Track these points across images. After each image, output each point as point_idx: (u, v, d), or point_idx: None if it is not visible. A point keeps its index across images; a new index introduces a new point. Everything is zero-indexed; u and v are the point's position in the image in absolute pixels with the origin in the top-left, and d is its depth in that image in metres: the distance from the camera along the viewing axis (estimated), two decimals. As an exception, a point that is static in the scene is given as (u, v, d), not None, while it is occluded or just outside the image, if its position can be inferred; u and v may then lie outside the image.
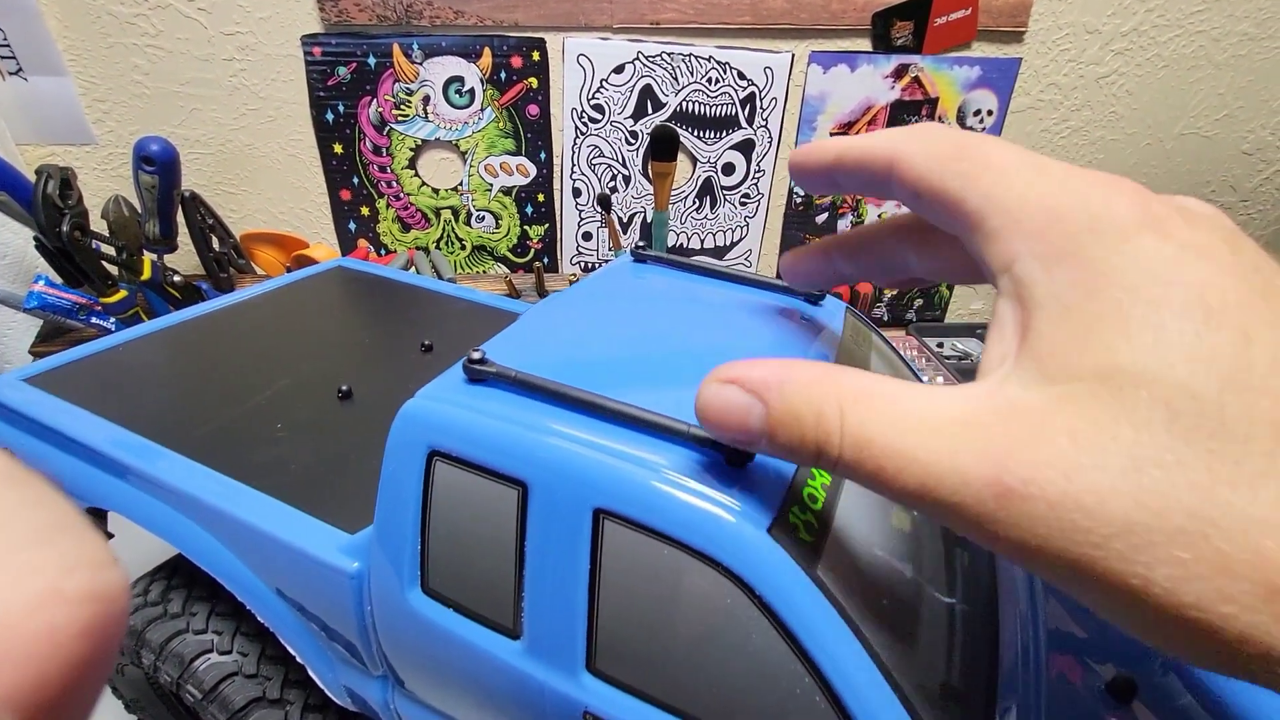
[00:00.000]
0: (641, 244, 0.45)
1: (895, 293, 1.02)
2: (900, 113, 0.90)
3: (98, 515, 0.38)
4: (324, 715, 0.37)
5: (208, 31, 0.78)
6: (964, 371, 0.86)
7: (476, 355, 0.27)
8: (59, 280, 0.74)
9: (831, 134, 0.91)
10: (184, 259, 0.84)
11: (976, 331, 0.98)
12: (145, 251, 0.76)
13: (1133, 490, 0.13)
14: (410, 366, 0.45)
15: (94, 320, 0.77)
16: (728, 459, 0.23)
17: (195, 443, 0.35)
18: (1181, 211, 0.16)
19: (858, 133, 0.91)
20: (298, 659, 0.33)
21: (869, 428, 0.16)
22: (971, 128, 0.91)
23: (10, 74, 0.77)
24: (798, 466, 0.24)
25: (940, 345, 0.94)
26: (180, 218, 0.79)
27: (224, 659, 0.34)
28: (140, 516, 0.34)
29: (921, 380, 0.42)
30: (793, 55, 0.86)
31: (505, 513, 0.25)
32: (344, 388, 0.41)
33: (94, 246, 0.69)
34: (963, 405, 0.16)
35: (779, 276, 0.35)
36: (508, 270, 0.97)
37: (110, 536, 0.41)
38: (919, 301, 1.03)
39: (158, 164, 0.71)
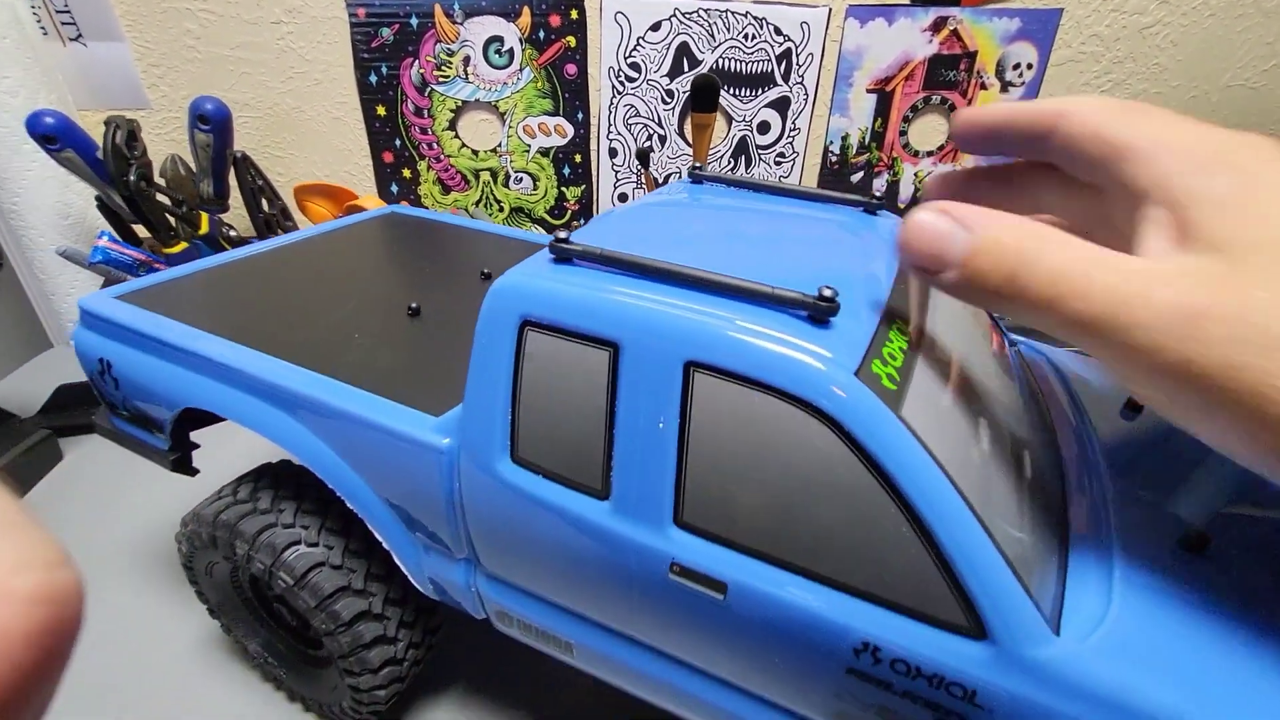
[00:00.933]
0: (699, 165, 0.46)
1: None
2: (938, 67, 0.89)
3: (192, 417, 0.40)
4: (402, 609, 0.39)
5: (257, -6, 0.80)
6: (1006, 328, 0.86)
7: (562, 235, 0.28)
8: (118, 237, 0.77)
9: (868, 90, 0.91)
10: (233, 220, 0.86)
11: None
12: (199, 210, 0.78)
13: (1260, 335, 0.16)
14: (472, 291, 0.47)
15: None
16: (811, 316, 0.24)
17: (284, 348, 0.37)
18: None
19: (893, 88, 0.91)
20: (384, 546, 0.35)
21: (1066, 262, 0.19)
22: (1010, 82, 0.90)
23: (71, 40, 0.80)
24: (875, 328, 0.25)
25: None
26: (232, 179, 0.81)
27: (312, 550, 0.36)
28: (239, 414, 0.36)
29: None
30: (830, 10, 0.86)
31: (596, 375, 0.26)
32: (413, 305, 0.43)
33: (158, 198, 0.72)
34: (1148, 261, 0.19)
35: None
36: (545, 232, 0.98)
37: (196, 446, 0.44)
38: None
39: (212, 122, 0.74)
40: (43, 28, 0.79)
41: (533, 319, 0.27)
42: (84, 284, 0.83)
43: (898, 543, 0.22)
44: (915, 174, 0.97)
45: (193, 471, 0.44)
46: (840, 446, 0.22)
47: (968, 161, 0.95)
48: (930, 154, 0.95)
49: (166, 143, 0.88)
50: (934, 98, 0.91)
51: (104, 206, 0.78)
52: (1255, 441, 0.18)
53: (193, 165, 0.78)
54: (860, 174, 0.97)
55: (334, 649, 0.37)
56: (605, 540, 0.27)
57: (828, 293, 0.23)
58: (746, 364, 0.23)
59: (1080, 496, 0.28)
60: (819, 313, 0.24)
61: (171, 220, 0.73)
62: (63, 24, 0.79)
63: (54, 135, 0.68)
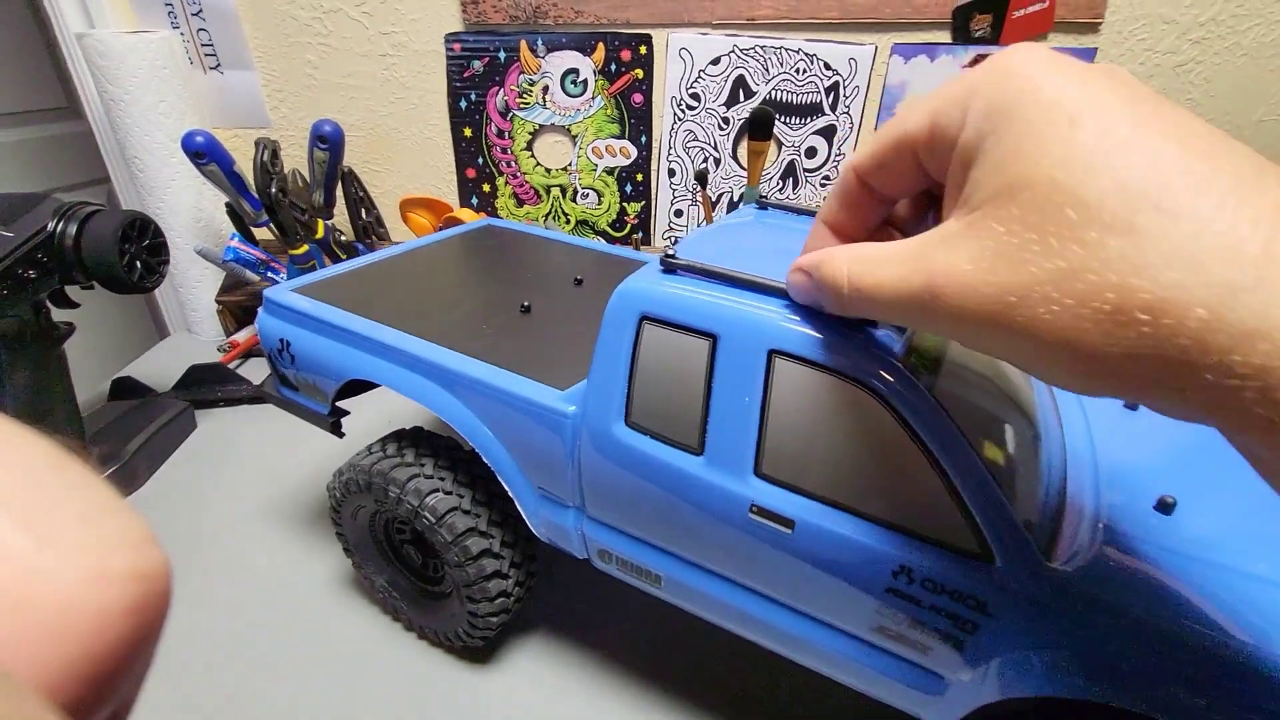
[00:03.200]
0: (764, 195, 0.54)
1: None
2: (978, 100, 0.96)
3: (357, 387, 0.50)
4: (513, 550, 0.47)
5: (368, 31, 0.92)
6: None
7: (671, 251, 0.37)
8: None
9: (911, 120, 0.98)
10: (337, 226, 0.98)
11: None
12: (315, 216, 0.90)
13: (1003, 270, 0.19)
14: (569, 293, 0.56)
15: (269, 275, 0.91)
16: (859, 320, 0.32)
17: (431, 333, 0.47)
18: (1091, 66, 0.20)
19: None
20: (507, 495, 0.44)
21: (857, 271, 0.24)
22: (1047, 114, 0.97)
23: (211, 68, 0.93)
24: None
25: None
26: (338, 191, 0.93)
27: (449, 496, 0.45)
28: (397, 384, 0.45)
29: None
30: (876, 48, 0.93)
31: (698, 358, 0.34)
32: (525, 303, 0.52)
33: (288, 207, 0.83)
34: (913, 241, 0.22)
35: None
36: (606, 241, 1.07)
37: (346, 413, 0.53)
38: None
39: (330, 142, 0.85)
40: (190, 58, 0.92)
41: (650, 315, 0.35)
42: (209, 278, 0.95)
43: (928, 490, 0.30)
44: (954, 198, 1.03)
45: (341, 434, 0.53)
46: (887, 416, 0.30)
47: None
48: (969, 180, 1.02)
49: (283, 156, 1.00)
50: (974, 128, 0.98)
51: (232, 212, 0.90)
52: (1023, 355, 0.20)
53: (308, 178, 0.89)
54: (902, 197, 1.04)
55: (460, 579, 0.46)
56: (699, 487, 0.35)
57: None
58: (816, 353, 0.31)
59: (1077, 466, 0.35)
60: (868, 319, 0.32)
61: (298, 226, 0.84)
62: (205, 55, 0.92)
63: (203, 152, 0.80)
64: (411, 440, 0.49)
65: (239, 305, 0.93)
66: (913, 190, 0.26)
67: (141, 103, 0.84)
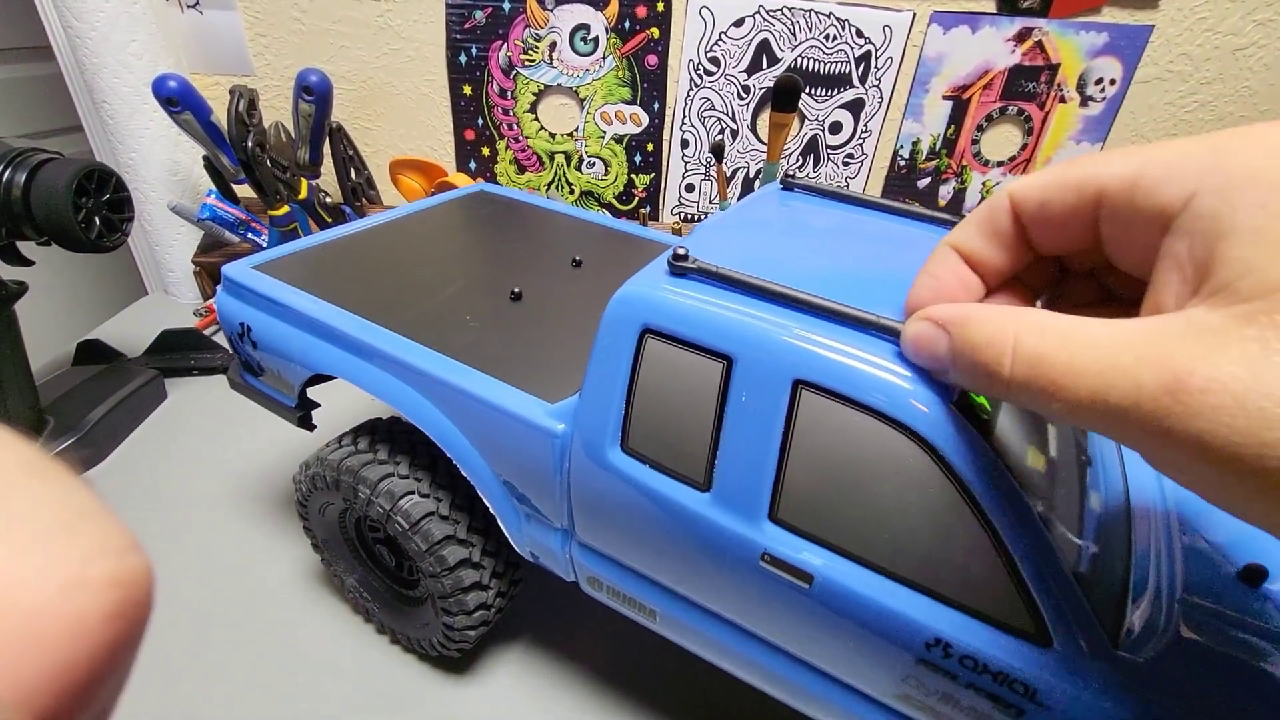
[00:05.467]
0: (790, 173, 0.48)
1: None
2: (1018, 78, 0.89)
3: (320, 381, 0.45)
4: (495, 560, 0.43)
5: (360, -28, 0.84)
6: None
7: (681, 252, 0.31)
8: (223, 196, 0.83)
9: (944, 97, 0.91)
10: (322, 187, 0.91)
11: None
12: (299, 175, 0.83)
13: None
14: (566, 277, 0.50)
15: (249, 235, 0.85)
16: None
17: (406, 323, 0.41)
18: None
19: (970, 96, 0.90)
20: (489, 508, 0.39)
21: (1042, 349, 0.18)
22: (1091, 97, 0.89)
23: (188, 7, 0.85)
24: None
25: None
26: (325, 148, 0.86)
27: (424, 500, 0.41)
28: (365, 382, 0.40)
29: None
30: (914, 14, 0.86)
31: (709, 382, 0.29)
32: (515, 290, 0.47)
33: (268, 163, 0.77)
34: (1136, 327, 0.17)
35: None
36: (611, 215, 1.01)
37: (316, 405, 0.48)
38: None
39: (316, 94, 0.78)
40: (163, -6, 0.84)
41: (653, 328, 0.30)
42: (185, 237, 0.89)
43: (977, 555, 0.25)
44: (984, 183, 0.97)
45: (311, 427, 0.48)
46: (933, 467, 0.25)
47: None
48: (1001, 164, 0.95)
49: (267, 109, 0.93)
50: (1010, 108, 0.91)
51: (210, 167, 0.83)
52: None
53: (293, 132, 0.83)
54: (927, 179, 0.97)
55: (435, 590, 0.42)
56: (703, 527, 0.31)
57: None
58: (852, 387, 0.26)
59: (1144, 523, 0.30)
60: None
61: (278, 184, 0.78)
62: (180, -9, 0.84)
63: (175, 98, 0.73)
64: (386, 434, 0.44)
65: (217, 267, 0.86)
66: (1064, 248, 0.22)
67: (110, 41, 0.77)
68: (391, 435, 0.44)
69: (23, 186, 0.56)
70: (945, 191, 0.98)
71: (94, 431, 0.65)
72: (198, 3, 0.85)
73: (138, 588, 0.12)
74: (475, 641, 0.45)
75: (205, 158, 0.82)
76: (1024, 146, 0.94)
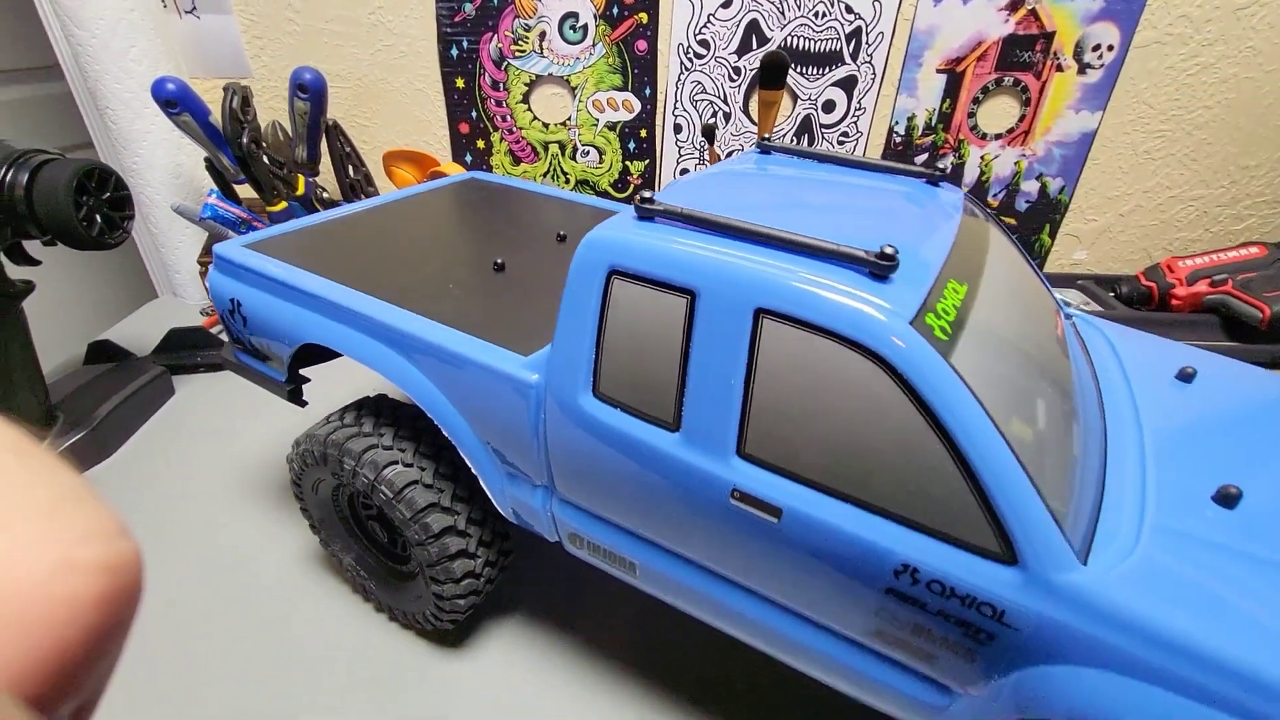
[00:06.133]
0: (766, 136, 0.49)
1: (993, 237, 1.00)
2: (1013, 48, 0.88)
3: (304, 355, 0.45)
4: (482, 528, 0.43)
5: (351, -29, 0.86)
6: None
7: (647, 195, 0.31)
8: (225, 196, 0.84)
9: (938, 71, 0.90)
10: (321, 183, 0.93)
11: (1078, 282, 0.96)
12: (296, 172, 0.85)
13: None
14: (549, 250, 0.51)
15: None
16: (871, 272, 0.27)
17: (390, 293, 0.42)
18: None
19: (964, 69, 0.90)
20: (471, 472, 0.40)
21: None
22: (1089, 64, 0.88)
23: (187, 12, 0.87)
24: (933, 282, 0.28)
25: (1038, 292, 0.93)
26: (323, 146, 0.88)
27: (408, 469, 0.41)
28: (351, 349, 0.41)
29: (1036, 270, 0.44)
30: (903, -12, 0.85)
31: (674, 319, 0.29)
32: (498, 261, 0.47)
33: (264, 160, 0.79)
34: None
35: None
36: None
37: (307, 380, 0.49)
38: (1018, 248, 1.01)
39: (310, 91, 0.79)
40: (163, 1, 0.86)
41: (620, 268, 0.30)
42: (190, 238, 0.91)
43: (941, 475, 0.25)
44: (982, 156, 0.96)
45: (303, 403, 0.49)
46: (893, 388, 0.25)
47: (1037, 144, 0.94)
48: (999, 137, 0.94)
49: (265, 110, 0.95)
50: (1006, 79, 0.90)
51: (211, 168, 0.85)
52: None
53: (290, 131, 0.84)
54: (924, 155, 0.96)
55: (423, 558, 0.42)
56: (674, 468, 0.31)
57: (889, 250, 0.26)
58: (811, 312, 0.26)
59: (1120, 452, 0.30)
60: (879, 269, 0.26)
61: (275, 181, 0.79)
62: (179, -2, 0.86)
63: (174, 100, 0.75)
64: (373, 409, 0.45)
65: (222, 266, 0.89)
66: None
67: (110, 48, 0.79)
68: (378, 410, 0.44)
69: (25, 186, 0.58)
70: (943, 166, 0.97)
71: (103, 426, 0.67)
72: (195, 8, 0.87)
73: (127, 572, 0.12)
74: (466, 611, 0.45)
75: (206, 159, 0.84)
76: (1022, 118, 0.93)
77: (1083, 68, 0.88)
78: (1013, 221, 0.99)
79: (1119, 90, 0.90)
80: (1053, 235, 1.01)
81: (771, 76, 0.75)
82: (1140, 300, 0.92)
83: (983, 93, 0.91)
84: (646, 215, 0.31)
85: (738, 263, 0.28)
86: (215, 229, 0.85)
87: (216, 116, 0.79)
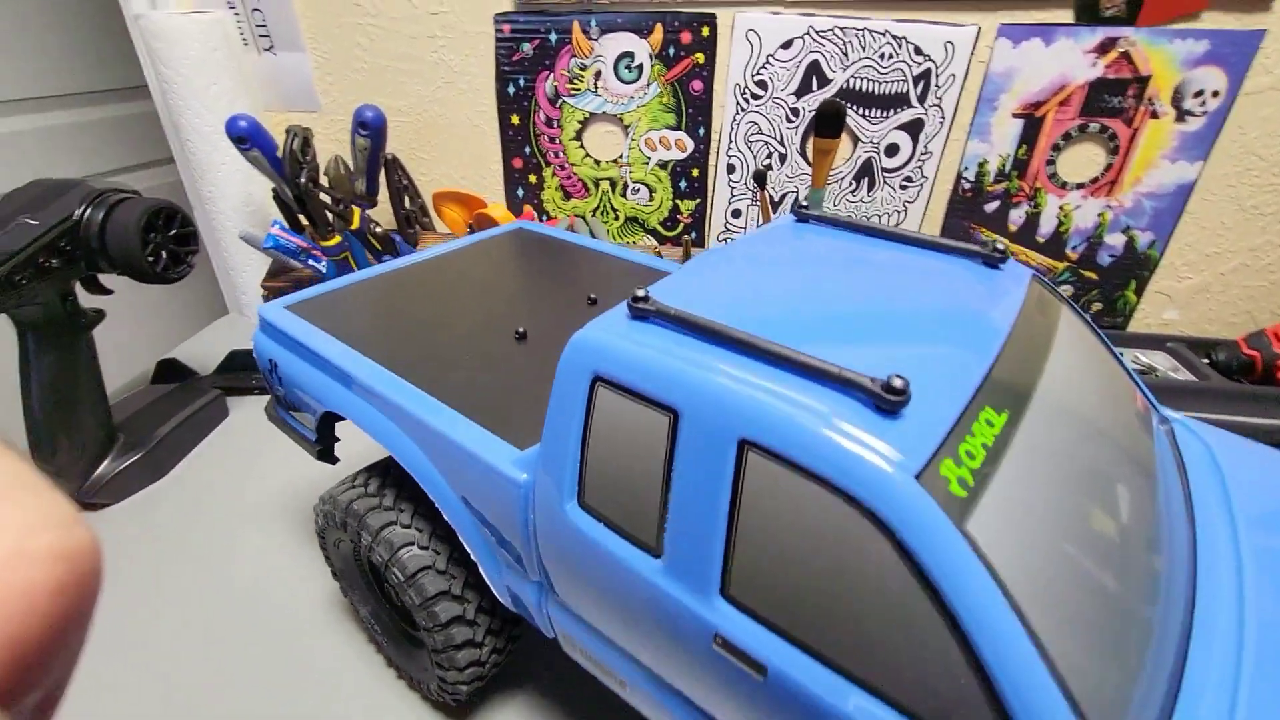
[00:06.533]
0: (804, 204, 0.45)
1: (1069, 292, 0.93)
2: (1100, 92, 0.81)
3: (333, 419, 0.46)
4: (491, 617, 0.42)
5: (416, 10, 0.88)
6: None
7: (641, 294, 0.29)
8: (288, 226, 0.88)
9: (1014, 115, 0.84)
10: (378, 214, 0.96)
11: (1167, 345, 0.87)
12: (353, 205, 0.88)
13: None
14: (577, 316, 0.49)
15: (310, 262, 0.90)
16: (878, 405, 0.23)
17: (404, 364, 0.42)
18: None
19: (1044, 113, 0.83)
20: (472, 556, 0.39)
21: None
22: (1189, 111, 0.80)
23: (265, 50, 0.92)
24: (958, 416, 0.24)
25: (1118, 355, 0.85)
26: (381, 178, 0.90)
27: (422, 553, 0.40)
28: (363, 421, 0.41)
29: (1123, 362, 0.39)
30: (979, 29, 0.80)
31: (657, 437, 0.27)
32: (520, 330, 0.46)
33: (321, 197, 0.81)
34: None
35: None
36: (655, 243, 1.00)
37: (338, 440, 0.50)
38: (1098, 305, 0.93)
39: (371, 129, 0.82)
40: (245, 39, 0.92)
41: (604, 376, 0.28)
42: (256, 264, 0.96)
43: (945, 664, 0.22)
44: (1061, 207, 0.88)
45: (334, 460, 0.50)
46: (891, 553, 0.22)
47: (1125, 195, 0.86)
48: (1081, 186, 0.87)
49: (332, 142, 0.99)
50: (1091, 125, 0.83)
51: (278, 199, 0.89)
52: None
53: (351, 165, 0.87)
54: (996, 203, 0.90)
55: (429, 643, 0.41)
56: (657, 596, 0.28)
57: (898, 383, 0.23)
58: (798, 451, 0.23)
59: (1208, 626, 0.25)
60: (885, 403, 0.23)
61: (329, 215, 0.82)
62: (259, 35, 0.91)
63: (245, 137, 0.79)
64: (396, 479, 0.44)
65: (282, 291, 0.92)
66: None
67: (193, 85, 0.84)
68: (402, 479, 0.44)
69: (100, 224, 0.62)
70: (1016, 216, 0.90)
71: (158, 448, 0.70)
72: (273, 46, 0.91)
73: (84, 560, 0.12)
74: (469, 693, 0.44)
75: (274, 190, 0.88)
76: (1108, 167, 0.85)
77: (1182, 115, 0.80)
78: (1094, 276, 0.91)
79: (1224, 139, 0.81)
80: (1139, 293, 0.92)
81: (827, 124, 0.72)
82: (1241, 370, 0.82)
83: (1064, 139, 0.85)
84: (640, 315, 0.29)
85: (723, 383, 0.25)
86: (277, 257, 0.89)
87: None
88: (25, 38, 1.04)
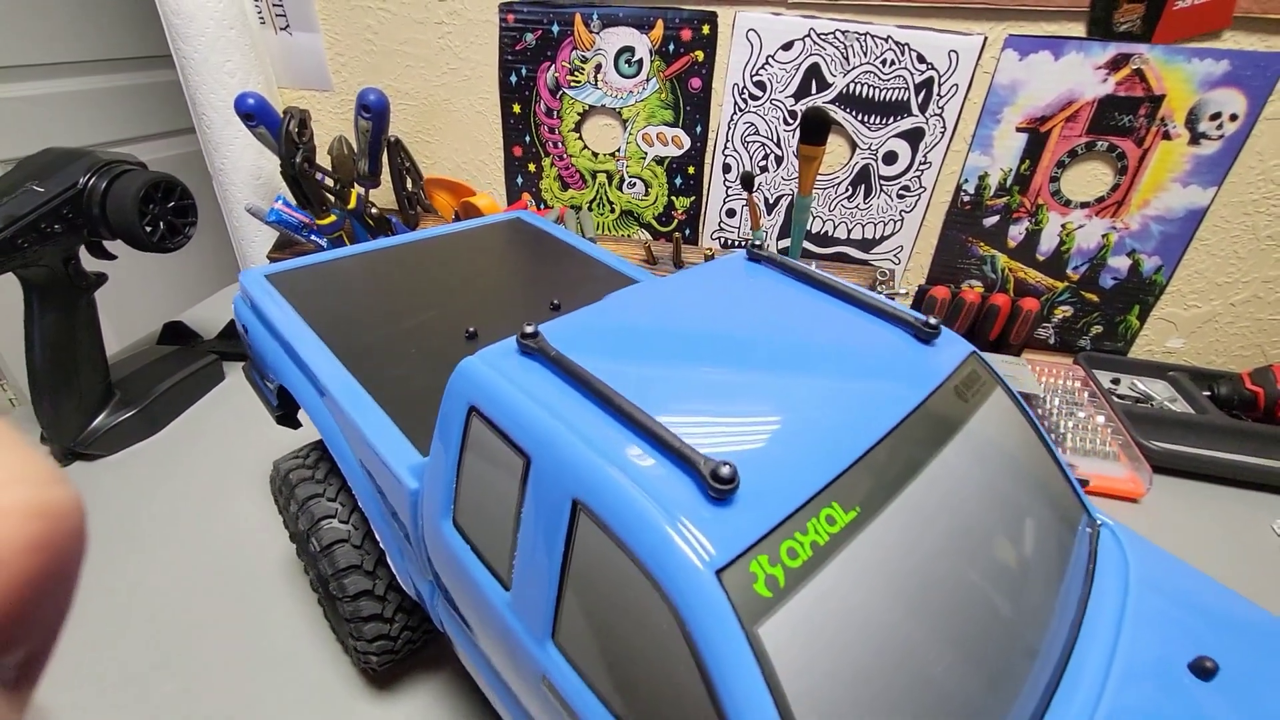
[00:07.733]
0: (756, 244, 0.45)
1: (1068, 313, 0.90)
2: (1110, 109, 0.78)
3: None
4: (402, 596, 0.45)
5: (424, -4, 0.89)
6: (1136, 416, 0.74)
7: (530, 330, 0.31)
8: (293, 201, 0.91)
9: (1018, 129, 0.82)
10: (380, 195, 0.98)
11: (1169, 374, 0.84)
12: (354, 185, 0.91)
13: None
14: (536, 320, 0.50)
15: (311, 237, 0.94)
16: (709, 490, 0.23)
17: (353, 349, 0.44)
18: None
19: (1050, 129, 0.80)
20: (380, 544, 0.42)
21: None
22: (1204, 134, 0.76)
23: (281, 29, 0.95)
24: (790, 511, 0.24)
25: (1116, 382, 0.83)
26: (384, 160, 0.93)
27: (341, 526, 0.44)
28: (301, 398, 0.44)
29: (1057, 456, 0.36)
30: (985, 38, 0.77)
31: (513, 478, 0.29)
32: (471, 329, 0.48)
33: (317, 177, 0.85)
34: None
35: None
36: (649, 236, 1.01)
37: (297, 408, 0.53)
38: (1098, 329, 0.91)
39: (373, 112, 0.84)
40: (261, 18, 0.94)
41: (477, 408, 0.30)
42: (265, 235, 1.00)
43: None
44: (1063, 225, 0.86)
45: (296, 425, 0.53)
46: (683, 643, 0.22)
47: (1132, 216, 0.83)
48: (1085, 205, 0.84)
49: (342, 120, 1.02)
50: (1099, 144, 0.80)
51: (286, 174, 0.93)
52: None
53: (354, 146, 0.90)
54: (995, 218, 0.88)
55: (341, 611, 0.45)
56: (505, 627, 0.30)
57: (725, 471, 0.22)
58: (615, 523, 0.24)
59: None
60: (712, 490, 0.23)
61: (324, 195, 0.85)
62: (276, 15, 0.93)
63: (252, 114, 0.82)
64: (331, 457, 0.47)
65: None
66: None
67: (209, 61, 0.87)
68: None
69: (102, 193, 0.66)
70: (1016, 232, 0.88)
71: (153, 405, 0.76)
72: (289, 26, 0.94)
73: (64, 519, 0.11)
74: (380, 667, 0.47)
75: (281, 166, 0.91)
76: (1115, 187, 0.82)
77: (1196, 137, 0.77)
78: (1095, 299, 0.89)
79: (1240, 165, 0.77)
80: (1142, 318, 0.89)
81: (811, 132, 0.71)
82: (1242, 405, 0.79)
83: (1070, 156, 0.82)
84: (526, 351, 0.31)
85: (566, 438, 0.26)
86: (281, 231, 0.93)
87: (289, 131, 0.85)
88: (69, 3, 1.08)
